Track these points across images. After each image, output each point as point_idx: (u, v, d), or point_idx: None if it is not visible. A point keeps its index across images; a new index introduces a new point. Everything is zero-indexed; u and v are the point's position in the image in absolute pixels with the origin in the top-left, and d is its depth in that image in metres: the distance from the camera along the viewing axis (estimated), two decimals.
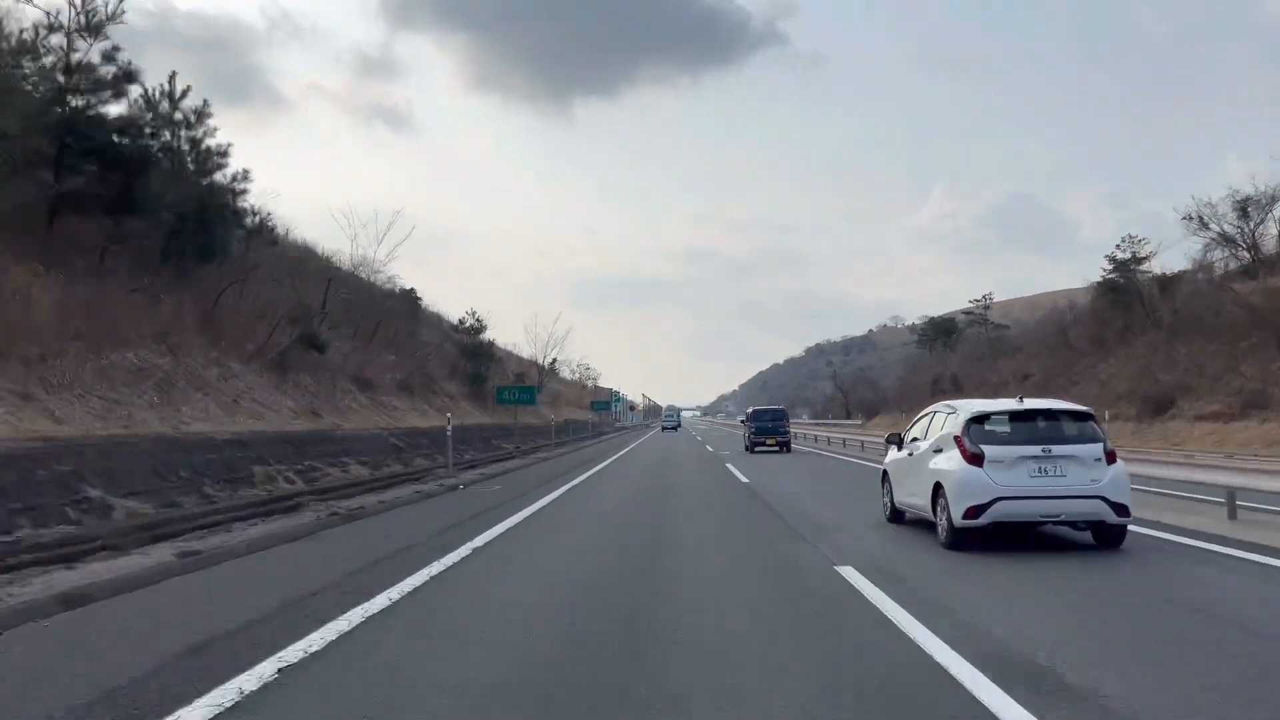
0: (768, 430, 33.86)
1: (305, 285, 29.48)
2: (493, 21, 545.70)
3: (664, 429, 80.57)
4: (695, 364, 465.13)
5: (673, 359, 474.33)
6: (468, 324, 52.09)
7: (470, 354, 48.46)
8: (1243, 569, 7.90)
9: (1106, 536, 9.00)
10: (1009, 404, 9.59)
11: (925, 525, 10.13)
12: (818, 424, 71.01)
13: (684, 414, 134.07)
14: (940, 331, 78.67)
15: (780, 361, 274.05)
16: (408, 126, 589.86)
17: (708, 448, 38.22)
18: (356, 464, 21.26)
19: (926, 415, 10.74)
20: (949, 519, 9.03)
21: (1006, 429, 9.16)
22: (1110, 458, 8.85)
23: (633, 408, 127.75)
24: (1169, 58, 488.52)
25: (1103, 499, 8.67)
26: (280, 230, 30.24)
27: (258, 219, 25.98)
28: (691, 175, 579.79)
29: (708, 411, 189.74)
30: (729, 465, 24.86)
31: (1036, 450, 8.80)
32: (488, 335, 54.47)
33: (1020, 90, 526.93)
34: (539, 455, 32.92)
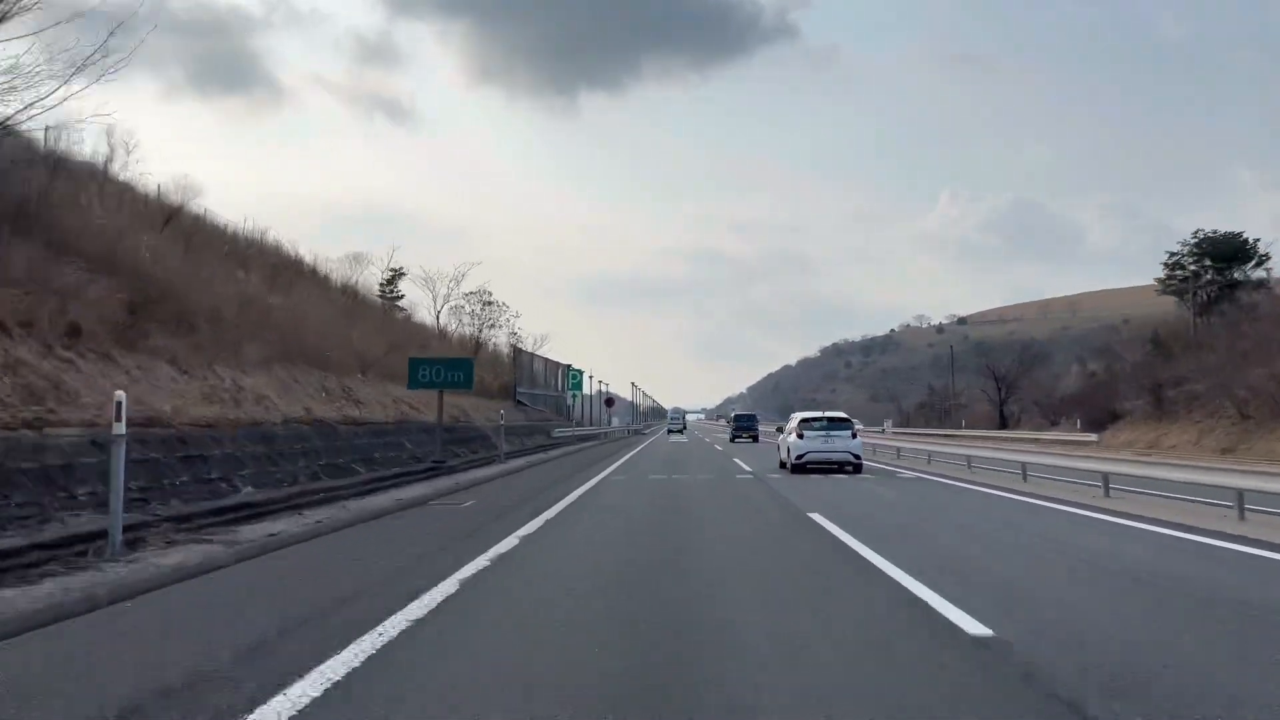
0: (744, 428, 50.90)
1: None
2: (495, 11, 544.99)
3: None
4: (699, 367, 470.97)
5: (677, 361, 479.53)
6: None
7: None
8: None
9: (854, 469, 21.79)
10: (819, 414, 22.68)
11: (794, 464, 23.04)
12: (983, 441, 39.10)
13: (689, 416, 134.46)
14: (1228, 254, 45.77)
15: (792, 363, 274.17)
16: (410, 119, 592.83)
17: None
18: None
19: (792, 419, 23.75)
20: (791, 462, 21.97)
21: (815, 424, 22.13)
22: (854, 435, 21.84)
23: (610, 402, 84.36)
24: (1179, 63, 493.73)
25: (850, 453, 21.58)
26: None
27: None
28: (696, 174, 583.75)
29: (714, 414, 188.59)
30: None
31: (824, 434, 21.76)
32: None
33: (1025, 93, 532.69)
34: None
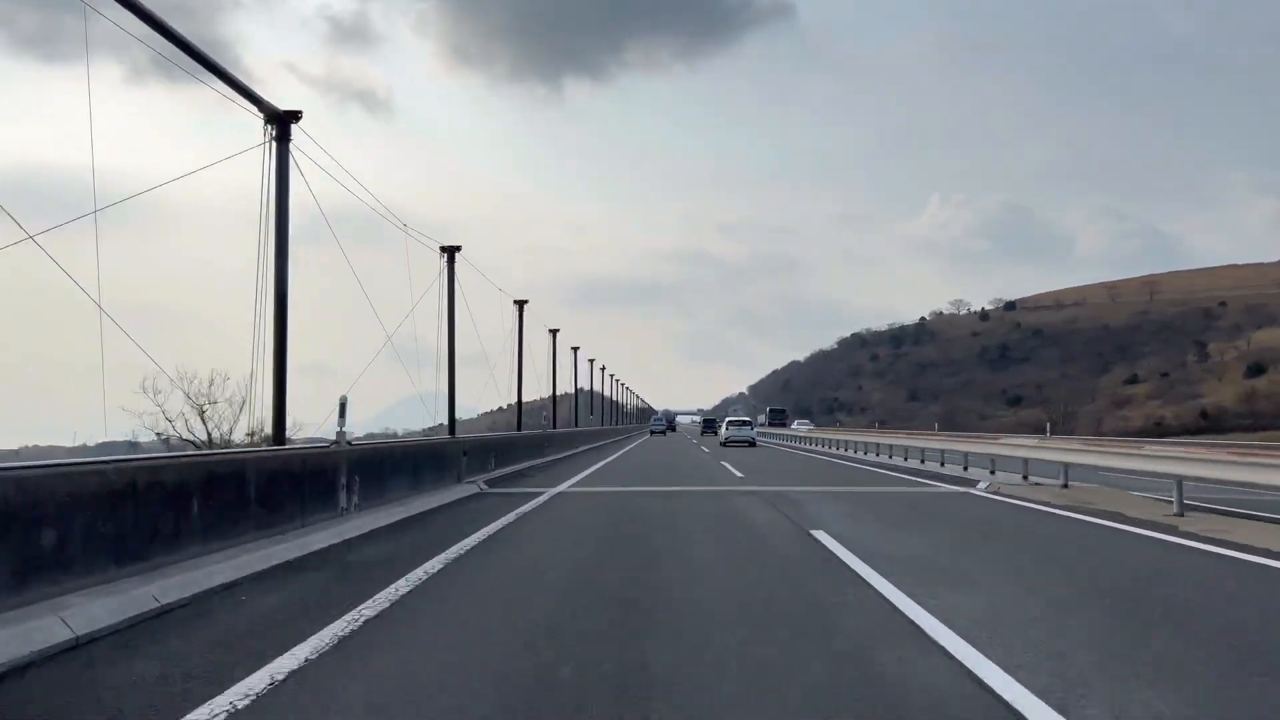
0: (709, 428, 75.22)
1: None
2: None
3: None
4: (693, 369, 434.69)
5: (671, 364, 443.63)
6: None
7: None
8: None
9: (753, 445, 43.82)
10: (736, 416, 45.62)
11: (722, 442, 45.28)
12: None
13: (680, 419, 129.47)
14: None
15: (801, 359, 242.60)
16: (386, 111, 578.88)
17: None
18: None
19: (723, 420, 46.60)
20: (723, 439, 44.43)
21: (734, 422, 44.72)
22: (752, 427, 44.53)
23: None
24: (1166, 61, 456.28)
25: (751, 436, 43.98)
26: None
27: None
28: (685, 173, 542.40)
29: (708, 416, 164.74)
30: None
31: (738, 427, 44.30)
32: None
33: (1016, 94, 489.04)
34: None
